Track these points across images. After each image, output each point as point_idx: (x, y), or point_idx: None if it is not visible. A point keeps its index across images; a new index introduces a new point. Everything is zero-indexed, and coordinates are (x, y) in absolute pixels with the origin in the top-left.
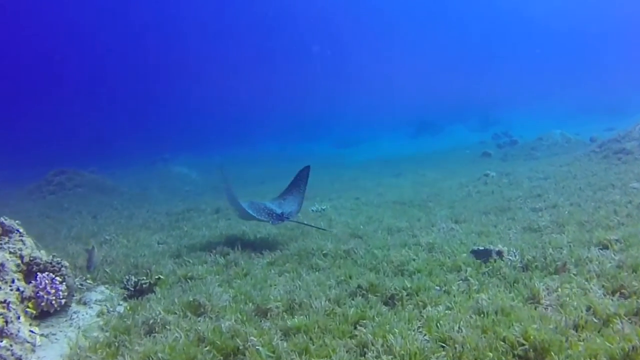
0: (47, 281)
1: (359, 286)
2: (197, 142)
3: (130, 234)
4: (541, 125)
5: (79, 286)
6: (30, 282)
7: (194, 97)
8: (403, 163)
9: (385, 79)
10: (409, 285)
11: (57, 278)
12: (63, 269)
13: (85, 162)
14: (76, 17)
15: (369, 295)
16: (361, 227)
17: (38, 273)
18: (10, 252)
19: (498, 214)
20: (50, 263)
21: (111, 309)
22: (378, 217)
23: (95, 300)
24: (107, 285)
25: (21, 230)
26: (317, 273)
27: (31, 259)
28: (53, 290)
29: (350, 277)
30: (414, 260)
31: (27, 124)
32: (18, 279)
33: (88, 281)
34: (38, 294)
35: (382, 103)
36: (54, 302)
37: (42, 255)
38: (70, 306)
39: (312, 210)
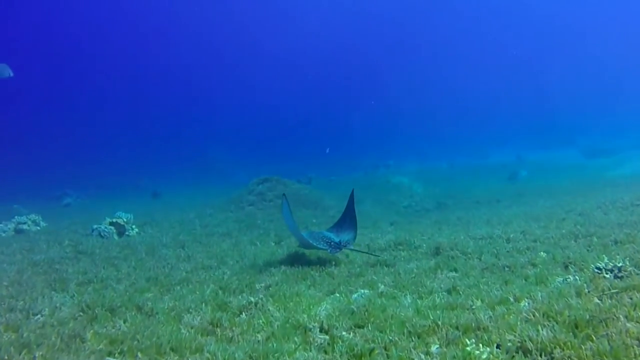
0: None
1: None
2: (423, 147)
3: (296, 291)
4: None
5: None
6: None
7: (425, 102)
8: None
9: None
10: None
11: None
12: None
13: (306, 169)
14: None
15: None
16: None
17: None
18: None
19: None
20: None
21: None
22: None
23: None
24: None
25: None
26: None
27: None
28: None
29: None
30: None
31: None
32: None
33: None
34: None
35: None
36: None
37: None
38: None
39: (598, 269)
